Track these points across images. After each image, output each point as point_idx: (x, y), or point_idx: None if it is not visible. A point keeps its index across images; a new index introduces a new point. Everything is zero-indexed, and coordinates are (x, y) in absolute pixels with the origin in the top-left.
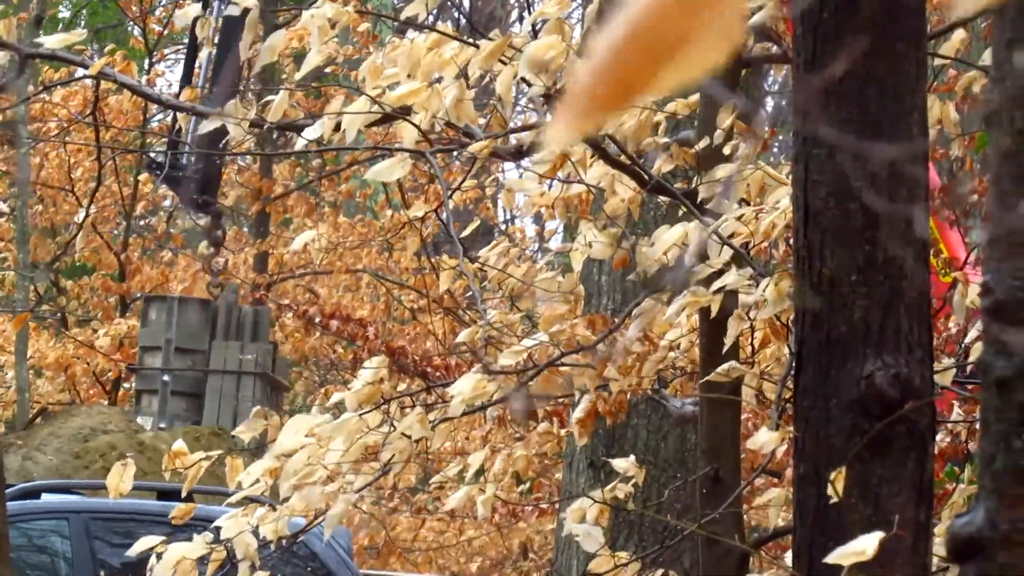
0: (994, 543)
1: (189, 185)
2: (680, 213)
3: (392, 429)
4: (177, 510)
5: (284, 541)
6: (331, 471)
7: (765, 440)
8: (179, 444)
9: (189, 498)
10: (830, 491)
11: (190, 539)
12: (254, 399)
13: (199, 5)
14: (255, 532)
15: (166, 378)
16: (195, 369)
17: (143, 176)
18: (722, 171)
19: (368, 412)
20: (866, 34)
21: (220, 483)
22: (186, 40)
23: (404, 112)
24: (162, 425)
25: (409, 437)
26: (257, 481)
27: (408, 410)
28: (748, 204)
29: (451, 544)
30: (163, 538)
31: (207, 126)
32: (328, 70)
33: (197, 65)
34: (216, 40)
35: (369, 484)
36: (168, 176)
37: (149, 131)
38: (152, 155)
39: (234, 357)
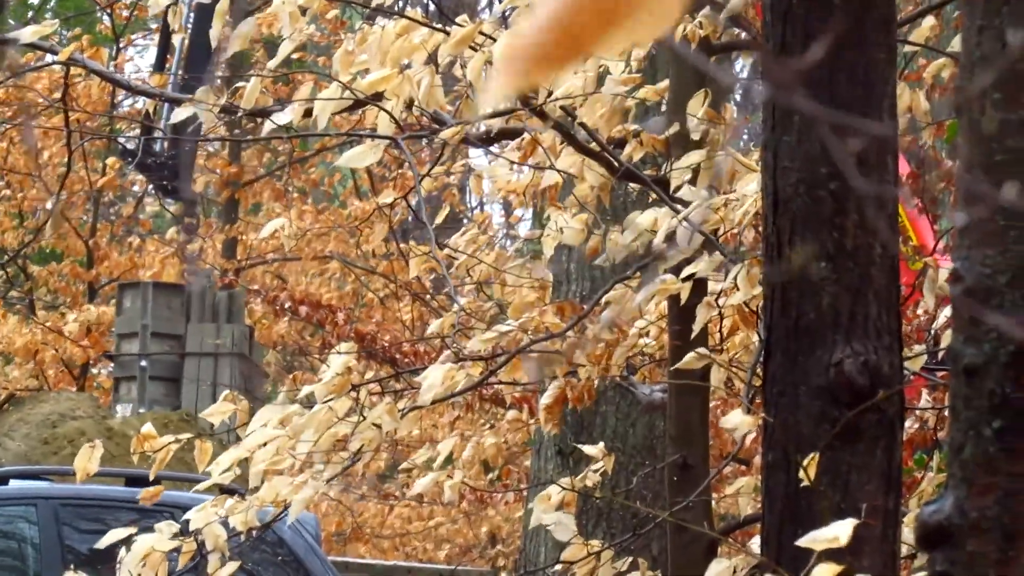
0: (963, 531)
1: (162, 171)
2: (650, 200)
3: (362, 419)
4: (145, 492)
5: (254, 532)
6: (301, 461)
7: (738, 422)
8: (147, 427)
9: (157, 482)
10: (800, 477)
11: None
12: (232, 382)
13: None
14: (224, 523)
15: (144, 363)
16: (172, 353)
17: (110, 160)
18: (692, 158)
19: (337, 399)
20: (835, 21)
21: (189, 469)
22: (154, 26)
23: (376, 99)
24: (141, 410)
25: (379, 427)
26: (228, 470)
27: (377, 397)
28: (718, 191)
29: (419, 531)
30: (133, 530)
31: (181, 113)
32: (296, 56)
33: (169, 51)
34: (189, 27)
35: (338, 474)
36: (141, 163)
37: (118, 116)
38: (123, 142)
39: (210, 339)
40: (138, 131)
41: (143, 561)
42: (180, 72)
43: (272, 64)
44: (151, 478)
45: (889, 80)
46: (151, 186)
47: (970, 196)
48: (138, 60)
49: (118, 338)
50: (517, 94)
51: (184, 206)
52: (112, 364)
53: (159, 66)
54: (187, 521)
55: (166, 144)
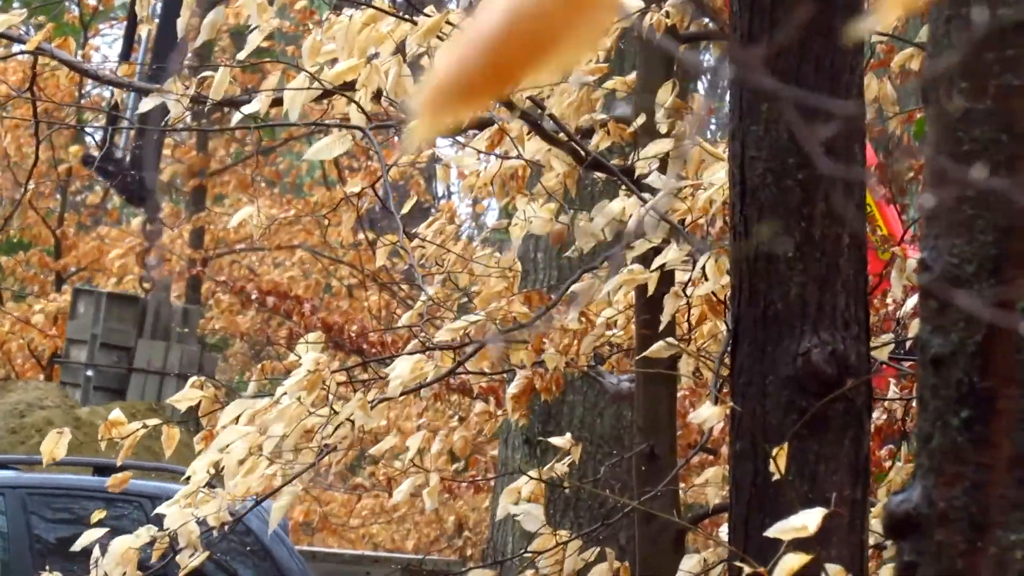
0: (930, 520)
1: (124, 178)
2: (622, 191)
3: (333, 413)
4: (113, 479)
5: (225, 526)
6: (271, 455)
7: (708, 415)
8: (116, 414)
9: (125, 469)
10: (768, 467)
11: (128, 515)
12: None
13: None
14: (197, 520)
15: (89, 373)
16: (119, 366)
17: (74, 148)
18: (658, 147)
19: (304, 391)
20: (802, 10)
21: (156, 459)
22: (120, 15)
23: (344, 89)
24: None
25: (352, 423)
26: (207, 473)
27: (346, 388)
28: (683, 178)
29: (386, 521)
30: (106, 530)
31: (149, 103)
32: (264, 45)
33: (136, 40)
34: (156, 17)
35: (308, 467)
36: (102, 168)
37: (85, 105)
38: (87, 146)
39: (159, 357)
40: (104, 121)
41: (119, 561)
42: (147, 62)
43: (241, 55)
44: (118, 464)
45: (856, 69)
46: (116, 192)
47: (937, 185)
48: (105, 50)
49: (68, 343)
50: (444, 130)
51: (149, 214)
52: (60, 368)
53: (125, 55)
54: (159, 515)
55: (127, 151)
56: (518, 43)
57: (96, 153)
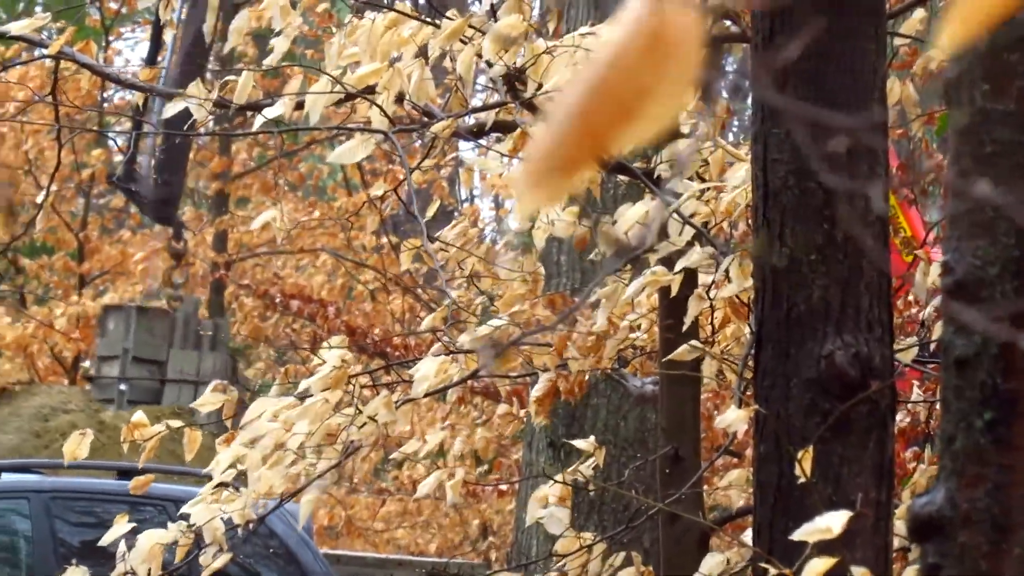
0: (954, 523)
1: (149, 199)
2: (646, 195)
3: (357, 412)
4: (135, 481)
5: (250, 524)
6: (295, 454)
7: (733, 418)
8: (139, 416)
9: (147, 471)
10: (792, 469)
11: (152, 519)
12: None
13: None
14: (223, 520)
15: (123, 387)
16: (152, 379)
17: (96, 152)
18: (677, 148)
19: (329, 391)
20: (824, 12)
21: (179, 463)
22: (142, 19)
23: (366, 92)
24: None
25: (375, 421)
26: (229, 468)
27: (369, 391)
28: (708, 183)
29: (410, 524)
30: (132, 524)
31: (173, 108)
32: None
33: (161, 44)
34: (181, 21)
35: (332, 467)
36: (125, 189)
37: (107, 110)
38: (111, 153)
39: (192, 367)
40: (126, 125)
41: (146, 558)
42: (172, 66)
43: (268, 61)
44: (140, 466)
45: (878, 71)
46: (140, 212)
47: (960, 186)
48: (128, 53)
49: (99, 360)
50: (542, 201)
51: (174, 233)
52: (90, 385)
53: (151, 60)
54: (184, 515)
55: (151, 165)
56: (607, 108)
57: (120, 159)
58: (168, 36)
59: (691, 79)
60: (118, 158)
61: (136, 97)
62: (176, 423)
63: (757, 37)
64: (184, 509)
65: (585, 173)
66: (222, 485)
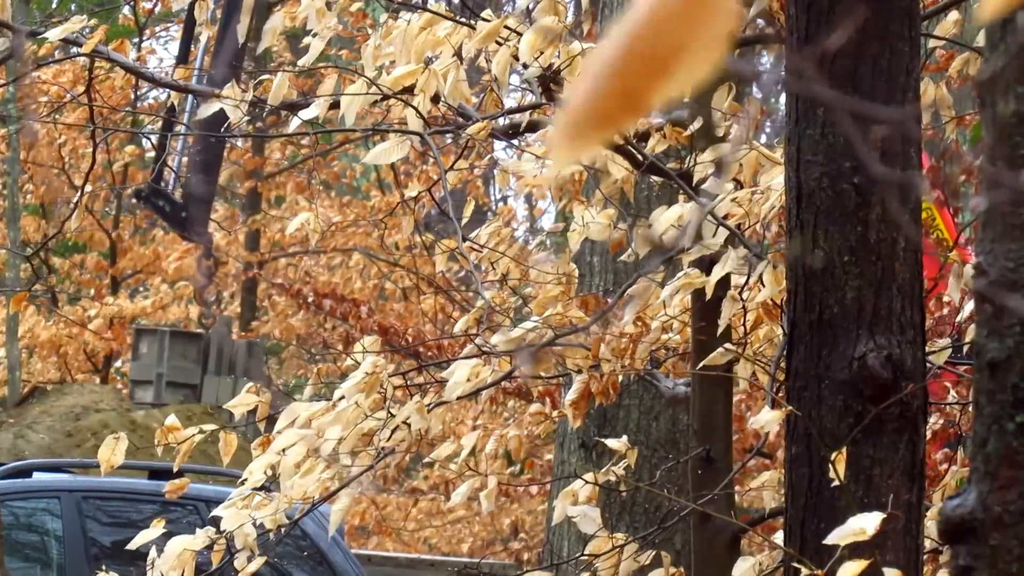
0: (985, 525)
1: (179, 215)
2: (679, 197)
3: (390, 416)
4: (170, 485)
5: (282, 528)
6: (327, 458)
7: (767, 419)
8: (172, 419)
9: (181, 474)
10: (824, 470)
11: (183, 519)
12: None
13: None
14: (253, 522)
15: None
16: (188, 403)
17: (129, 148)
18: (716, 152)
19: (363, 395)
20: (859, 13)
21: (211, 462)
22: (176, 18)
23: (402, 93)
24: None
25: (408, 425)
26: (261, 475)
27: (402, 392)
28: (742, 185)
29: (441, 524)
30: (163, 530)
31: (207, 109)
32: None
33: (194, 43)
34: (216, 21)
35: (366, 471)
36: (152, 204)
37: (141, 109)
38: (141, 187)
39: (227, 392)
40: (159, 125)
41: (177, 563)
42: (206, 66)
43: (304, 61)
44: (175, 470)
45: (912, 72)
46: (169, 228)
47: (993, 188)
48: (161, 52)
49: (132, 384)
50: (582, 157)
51: (204, 249)
52: None
53: (182, 59)
54: (215, 517)
55: (178, 190)
56: (642, 65)
57: (152, 158)
58: (203, 36)
59: (726, 36)
60: (150, 154)
61: (174, 97)
62: (209, 426)
63: (792, 38)
64: (216, 512)
65: (619, 128)
66: (254, 490)
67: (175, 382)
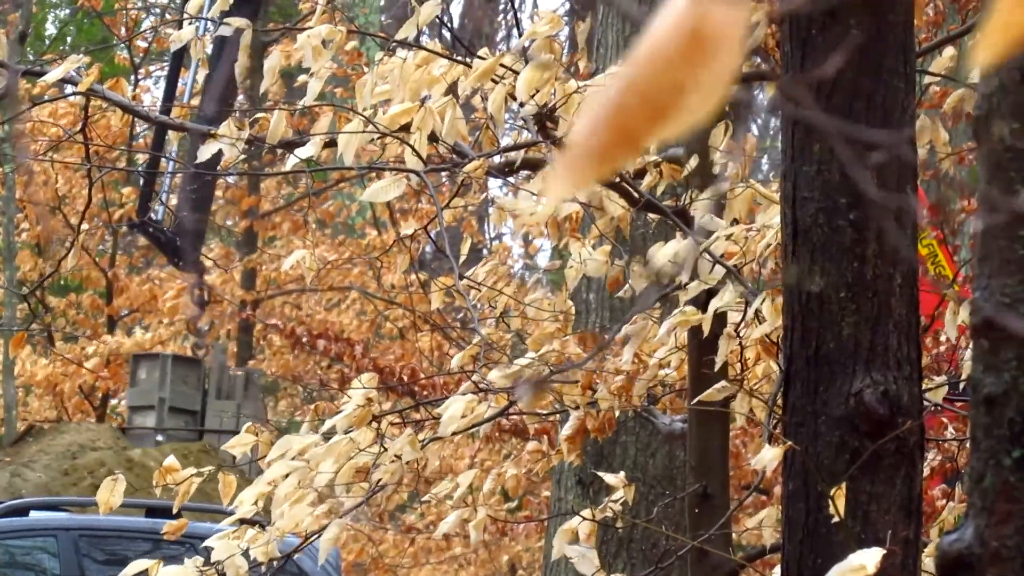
0: (983, 560)
1: (172, 244)
2: (676, 234)
3: (383, 450)
4: (168, 526)
5: (275, 563)
6: (321, 492)
7: (769, 457)
8: (171, 460)
9: (179, 515)
10: (821, 506)
11: (179, 557)
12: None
13: (193, 28)
14: (245, 554)
15: (160, 438)
16: (190, 429)
17: (126, 190)
18: (714, 191)
19: (357, 432)
20: (853, 49)
21: (209, 500)
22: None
23: (398, 131)
24: None
25: (400, 459)
26: (252, 505)
27: (397, 429)
28: (738, 221)
29: (439, 562)
30: (155, 561)
31: (206, 151)
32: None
33: (181, 82)
34: (209, 60)
35: (358, 505)
36: (145, 231)
37: (136, 148)
38: (132, 217)
39: (230, 416)
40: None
41: None
42: (200, 104)
43: (304, 102)
44: (174, 511)
45: (907, 108)
46: (163, 256)
47: (989, 224)
48: (156, 91)
49: (131, 411)
50: (579, 190)
51: (196, 278)
52: (122, 436)
53: (169, 97)
54: (208, 550)
55: (169, 209)
56: (643, 104)
57: (144, 203)
58: (200, 75)
59: (728, 77)
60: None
61: (174, 137)
62: (207, 468)
63: (788, 73)
64: (207, 543)
65: (618, 165)
66: (246, 522)
67: (176, 407)
